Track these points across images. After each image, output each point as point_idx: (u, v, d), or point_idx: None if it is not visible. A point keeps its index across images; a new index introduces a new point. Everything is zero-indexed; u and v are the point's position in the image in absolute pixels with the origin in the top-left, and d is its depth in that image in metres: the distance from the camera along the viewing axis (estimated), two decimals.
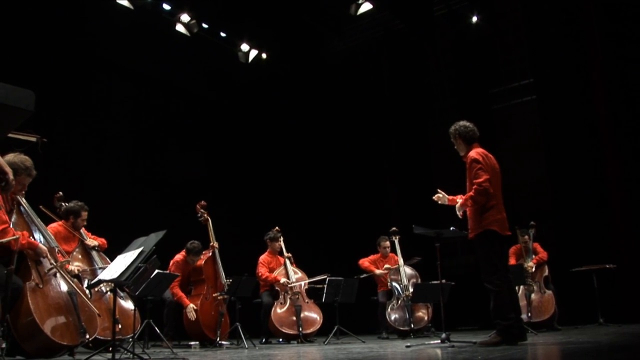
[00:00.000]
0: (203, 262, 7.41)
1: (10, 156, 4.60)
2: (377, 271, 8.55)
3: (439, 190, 5.67)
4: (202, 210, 7.59)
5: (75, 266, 5.58)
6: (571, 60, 9.99)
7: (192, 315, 7.06)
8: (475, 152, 5.32)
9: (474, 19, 11.43)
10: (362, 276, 8.53)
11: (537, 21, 10.61)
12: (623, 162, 9.18)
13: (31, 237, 4.82)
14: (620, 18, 9.32)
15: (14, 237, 4.32)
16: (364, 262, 8.72)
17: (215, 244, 7.54)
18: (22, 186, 4.74)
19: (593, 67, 9.59)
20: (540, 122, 10.59)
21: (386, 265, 8.65)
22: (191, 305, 7.12)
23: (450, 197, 5.58)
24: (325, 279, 7.65)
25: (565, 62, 10.05)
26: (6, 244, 4.29)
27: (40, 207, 5.56)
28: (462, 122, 5.55)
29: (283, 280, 7.92)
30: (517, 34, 11.77)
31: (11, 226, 4.66)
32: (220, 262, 7.47)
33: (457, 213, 5.37)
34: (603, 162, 9.41)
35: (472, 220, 5.30)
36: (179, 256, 7.56)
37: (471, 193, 5.18)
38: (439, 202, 5.65)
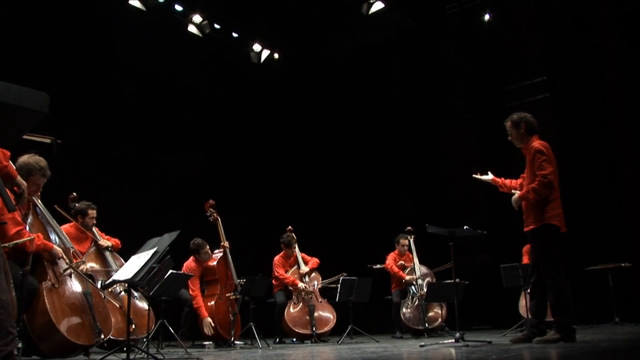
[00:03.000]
0: (215, 262, 7.42)
1: (25, 157, 4.65)
2: (407, 277, 8.48)
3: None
4: (211, 209, 7.58)
5: (89, 267, 5.62)
6: (585, 58, 9.89)
7: (208, 330, 7.06)
8: (539, 143, 5.14)
9: (486, 16, 11.36)
10: (375, 266, 8.53)
11: (550, 18, 10.51)
12: (638, 160, 9.08)
13: (46, 238, 4.87)
14: (636, 14, 9.22)
15: (29, 238, 4.36)
16: (393, 266, 8.63)
17: (226, 244, 7.54)
18: (37, 187, 4.77)
19: (607, 64, 9.50)
20: (554, 120, 10.50)
21: (400, 262, 8.63)
22: (209, 319, 7.11)
23: (496, 178, 5.63)
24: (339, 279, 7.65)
25: (579, 60, 9.95)
26: (21, 246, 4.33)
27: (55, 206, 5.60)
28: (522, 113, 5.44)
29: (300, 285, 7.91)
30: (529, 32, 11.66)
31: (27, 227, 4.70)
32: (231, 261, 7.48)
33: (513, 205, 5.19)
34: (617, 160, 9.31)
35: (531, 213, 5.10)
36: (189, 262, 7.54)
37: (534, 185, 4.98)
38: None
